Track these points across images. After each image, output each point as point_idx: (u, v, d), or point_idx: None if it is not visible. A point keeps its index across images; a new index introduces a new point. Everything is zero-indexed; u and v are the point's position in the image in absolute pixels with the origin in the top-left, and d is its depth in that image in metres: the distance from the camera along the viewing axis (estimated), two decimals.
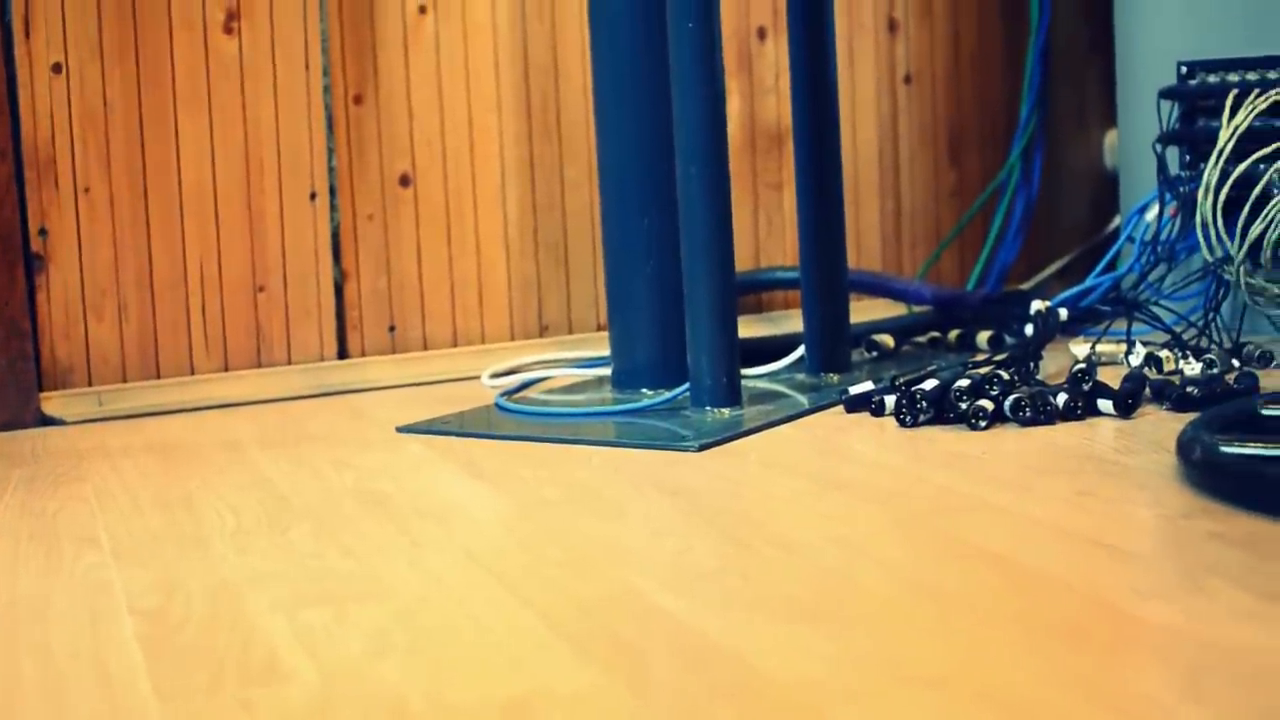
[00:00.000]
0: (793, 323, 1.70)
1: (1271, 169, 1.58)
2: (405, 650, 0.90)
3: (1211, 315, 1.63)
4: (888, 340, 1.73)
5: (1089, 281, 1.80)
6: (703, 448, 1.35)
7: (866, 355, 1.73)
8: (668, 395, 1.50)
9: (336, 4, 1.76)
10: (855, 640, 0.87)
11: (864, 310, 1.94)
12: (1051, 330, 1.60)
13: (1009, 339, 1.72)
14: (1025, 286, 2.05)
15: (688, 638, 0.89)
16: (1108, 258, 1.82)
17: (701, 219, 1.44)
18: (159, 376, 1.71)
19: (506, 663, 0.87)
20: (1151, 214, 1.77)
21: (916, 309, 1.87)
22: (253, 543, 1.14)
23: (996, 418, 1.37)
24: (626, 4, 1.54)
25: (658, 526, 1.13)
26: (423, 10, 1.80)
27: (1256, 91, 1.64)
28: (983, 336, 1.73)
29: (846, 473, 1.25)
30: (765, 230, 1.98)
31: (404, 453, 1.42)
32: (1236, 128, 1.62)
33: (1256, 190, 1.58)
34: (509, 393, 1.64)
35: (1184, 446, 1.16)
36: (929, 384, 1.40)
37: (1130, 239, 1.80)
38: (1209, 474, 1.12)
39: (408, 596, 1.00)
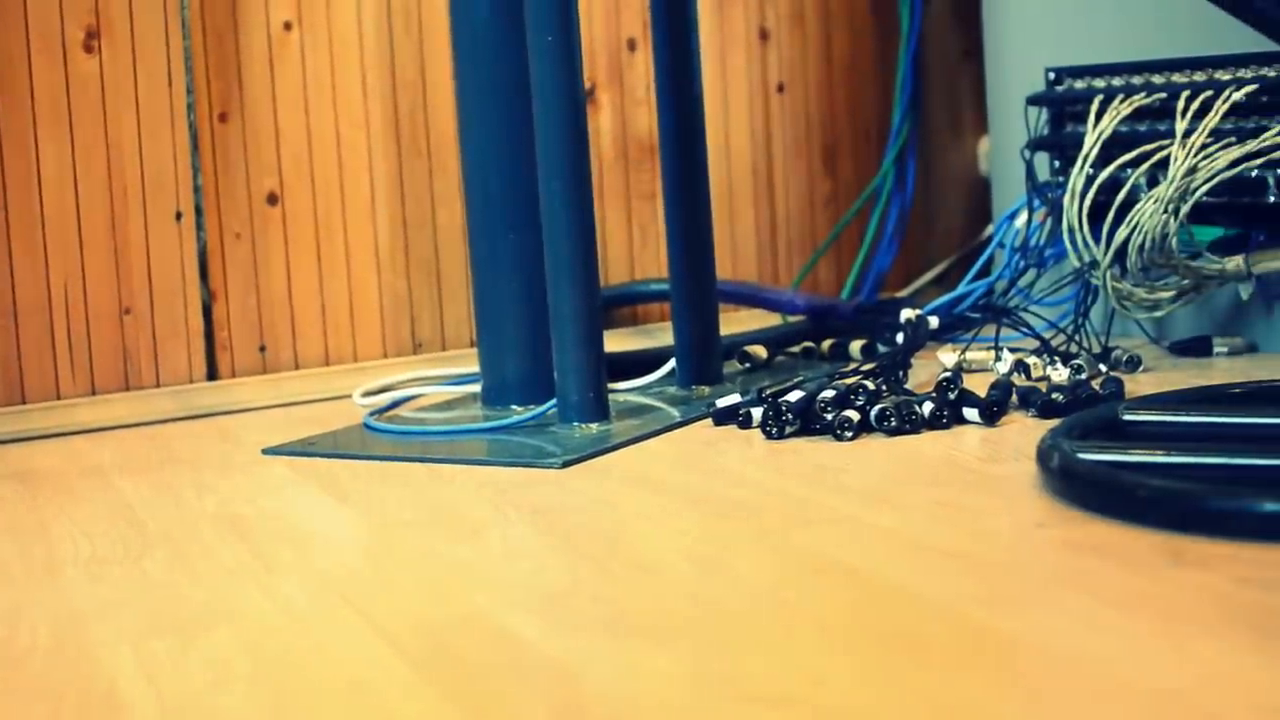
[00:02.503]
0: (667, 335, 1.69)
1: (1136, 173, 1.59)
2: (248, 679, 0.89)
3: (1080, 320, 1.63)
4: (760, 351, 1.73)
5: (961, 288, 1.80)
6: (567, 464, 1.34)
7: (740, 367, 1.72)
8: (535, 412, 1.49)
9: (199, 21, 1.74)
10: (701, 659, 0.86)
11: (740, 321, 1.94)
12: (922, 338, 1.60)
13: (882, 347, 1.71)
14: (902, 294, 2.05)
15: (532, 660, 0.88)
16: (979, 264, 1.82)
17: (564, 233, 1.43)
18: (24, 402, 1.69)
19: (348, 689, 0.86)
20: (1021, 220, 1.77)
21: (791, 319, 1.87)
22: (106, 571, 1.12)
23: (863, 428, 1.37)
24: (487, 18, 1.53)
25: (514, 546, 1.12)
26: (288, 26, 1.78)
27: (1121, 97, 1.65)
28: (856, 346, 1.73)
29: (708, 487, 1.25)
30: (640, 242, 1.97)
31: (267, 475, 1.40)
32: (1101, 133, 1.63)
33: (1121, 195, 1.58)
34: (378, 412, 1.62)
35: (1043, 454, 1.16)
36: (795, 395, 1.39)
37: (1001, 245, 1.81)
38: (1067, 482, 1.12)
39: (256, 624, 0.99)
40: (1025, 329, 1.63)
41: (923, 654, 0.85)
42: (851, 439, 1.35)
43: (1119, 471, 1.09)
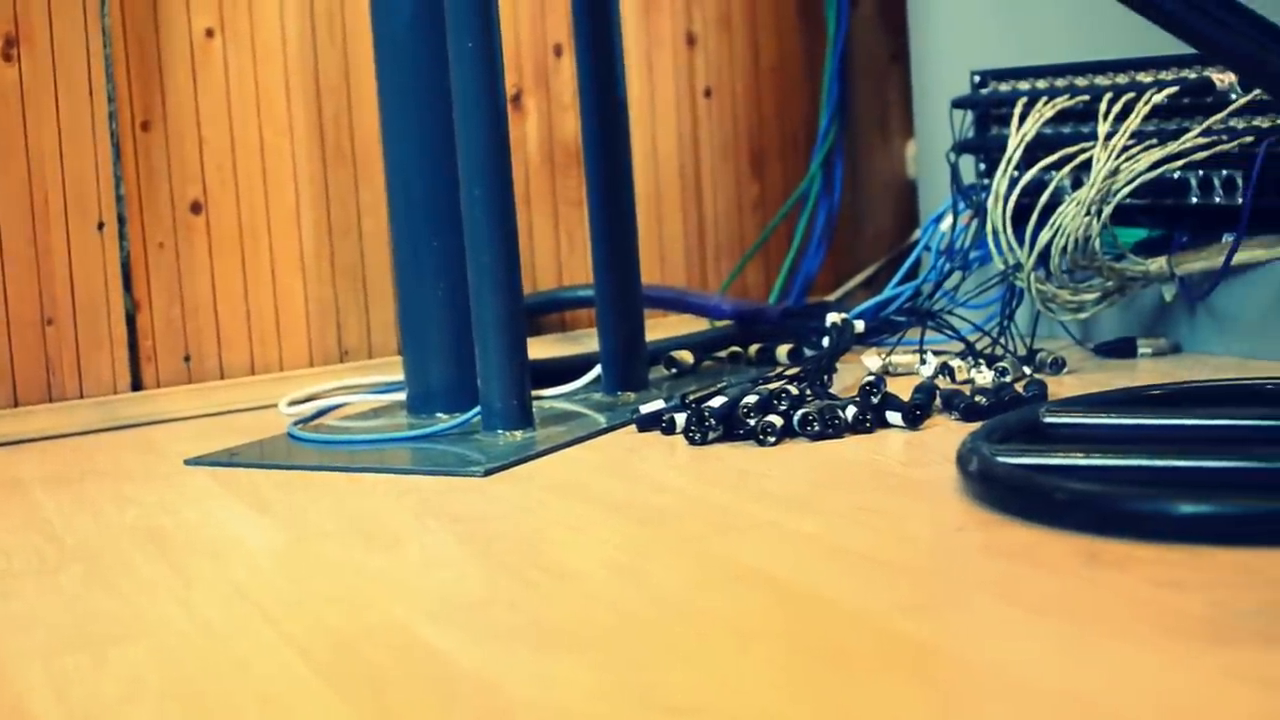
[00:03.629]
0: (595, 341, 1.68)
1: (1059, 176, 1.59)
2: (159, 694, 0.88)
3: (1005, 323, 1.63)
4: (687, 356, 1.72)
5: (888, 291, 1.79)
6: (489, 473, 1.33)
7: (666, 372, 1.72)
8: (459, 420, 1.48)
9: (120, 29, 1.72)
10: (614, 668, 0.86)
11: (668, 326, 1.94)
12: (847, 342, 1.60)
13: (809, 351, 1.71)
14: (831, 297, 2.05)
15: (445, 671, 0.88)
16: (905, 267, 1.82)
17: (486, 240, 1.43)
18: None
19: (259, 702, 0.85)
20: (947, 223, 1.77)
21: (718, 323, 1.86)
22: (19, 586, 1.11)
23: (786, 433, 1.37)
24: (409, 24, 1.52)
25: (432, 556, 1.11)
26: (210, 34, 1.77)
27: (1044, 99, 1.65)
28: (783, 350, 1.73)
29: (630, 494, 1.24)
30: (567, 248, 1.97)
31: (189, 486, 1.39)
32: (1024, 136, 1.63)
33: (1044, 197, 1.58)
34: (303, 421, 1.61)
35: (962, 458, 1.16)
36: (718, 401, 1.39)
37: (927, 248, 1.81)
38: (986, 485, 1.12)
39: (170, 637, 0.98)
40: (950, 332, 1.63)
41: (839, 661, 0.85)
42: (775, 444, 1.35)
43: (1037, 475, 1.09)
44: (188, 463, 1.48)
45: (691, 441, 1.38)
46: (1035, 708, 0.76)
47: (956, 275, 1.73)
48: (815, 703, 0.78)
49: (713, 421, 1.37)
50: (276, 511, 1.28)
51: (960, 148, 1.77)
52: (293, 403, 1.71)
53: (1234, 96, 1.53)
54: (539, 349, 1.82)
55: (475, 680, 0.86)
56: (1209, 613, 0.88)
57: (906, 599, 0.94)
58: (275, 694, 0.86)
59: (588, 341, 1.92)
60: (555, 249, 1.97)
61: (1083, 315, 1.62)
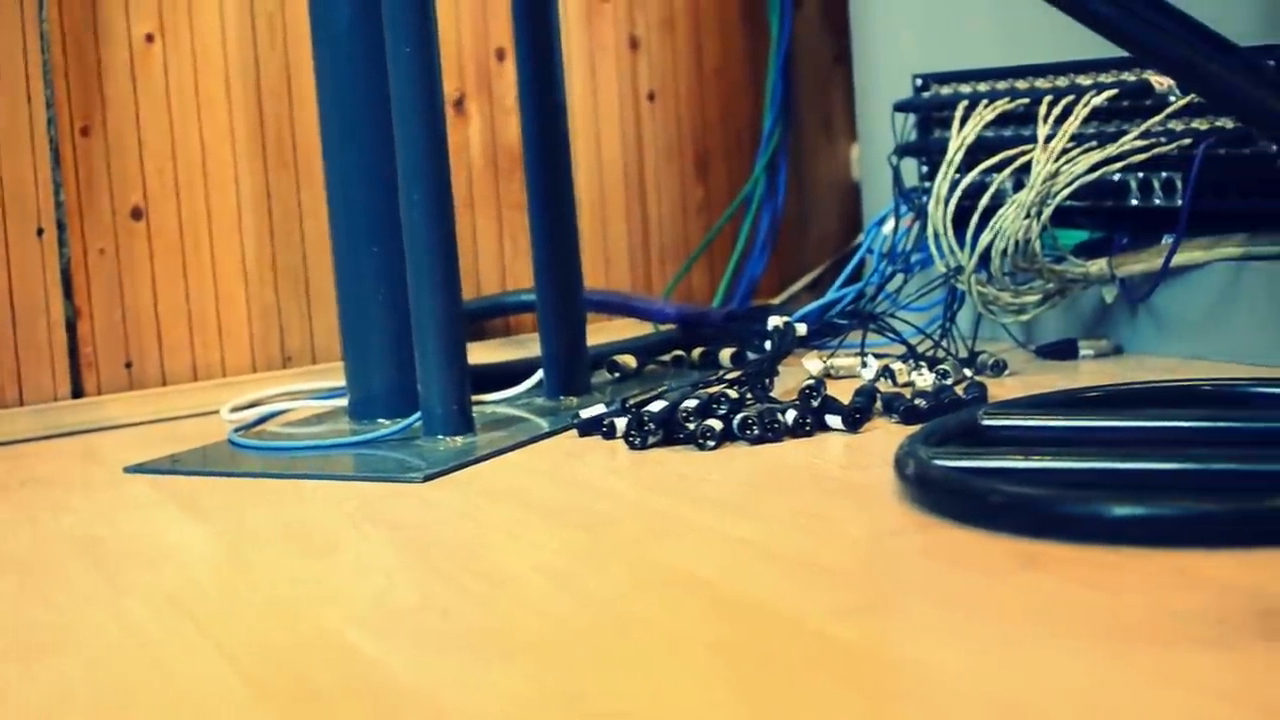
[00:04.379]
0: (539, 345, 1.68)
1: (999, 178, 1.59)
2: (87, 705, 0.87)
3: (947, 325, 1.64)
4: (630, 361, 1.72)
5: (831, 294, 1.80)
6: (428, 478, 1.33)
7: (610, 376, 1.71)
8: (399, 426, 1.48)
9: (59, 34, 1.71)
10: (545, 675, 0.85)
11: (613, 330, 1.93)
12: (789, 346, 1.60)
13: (752, 355, 1.71)
14: (776, 300, 2.05)
15: (375, 679, 0.87)
16: (848, 270, 1.82)
17: (425, 245, 1.42)
18: None
19: (187, 712, 0.85)
20: (889, 226, 1.77)
21: (662, 327, 1.86)
22: None
23: (726, 437, 1.36)
24: (348, 28, 1.52)
25: (367, 563, 1.11)
26: (149, 38, 1.76)
27: (985, 102, 1.66)
28: (726, 354, 1.73)
29: (568, 499, 1.24)
30: (511, 252, 1.97)
31: (128, 495, 1.38)
32: (965, 138, 1.63)
33: (984, 200, 1.59)
34: (244, 427, 1.60)
35: (899, 461, 1.16)
36: (657, 405, 1.39)
37: (870, 251, 1.81)
38: (922, 488, 1.12)
39: (101, 647, 0.97)
40: (892, 335, 1.63)
41: (769, 665, 0.84)
42: (714, 448, 1.35)
43: (972, 477, 1.09)
44: (128, 470, 1.47)
45: (631, 446, 1.38)
46: (964, 712, 0.76)
47: (899, 278, 1.73)
48: (744, 707, 0.78)
49: (652, 426, 1.37)
50: (214, 519, 1.27)
51: (902, 151, 1.77)
52: (235, 409, 1.70)
53: (1172, 99, 1.54)
54: (483, 353, 1.82)
55: (405, 688, 0.85)
56: (1142, 615, 0.88)
57: (839, 603, 0.94)
58: (204, 704, 0.85)
59: (532, 346, 1.92)
60: (499, 253, 1.96)
61: (1024, 317, 1.62)
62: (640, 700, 0.81)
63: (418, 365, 1.45)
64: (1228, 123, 1.50)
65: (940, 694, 0.79)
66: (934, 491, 1.10)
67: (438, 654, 0.90)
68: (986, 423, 1.25)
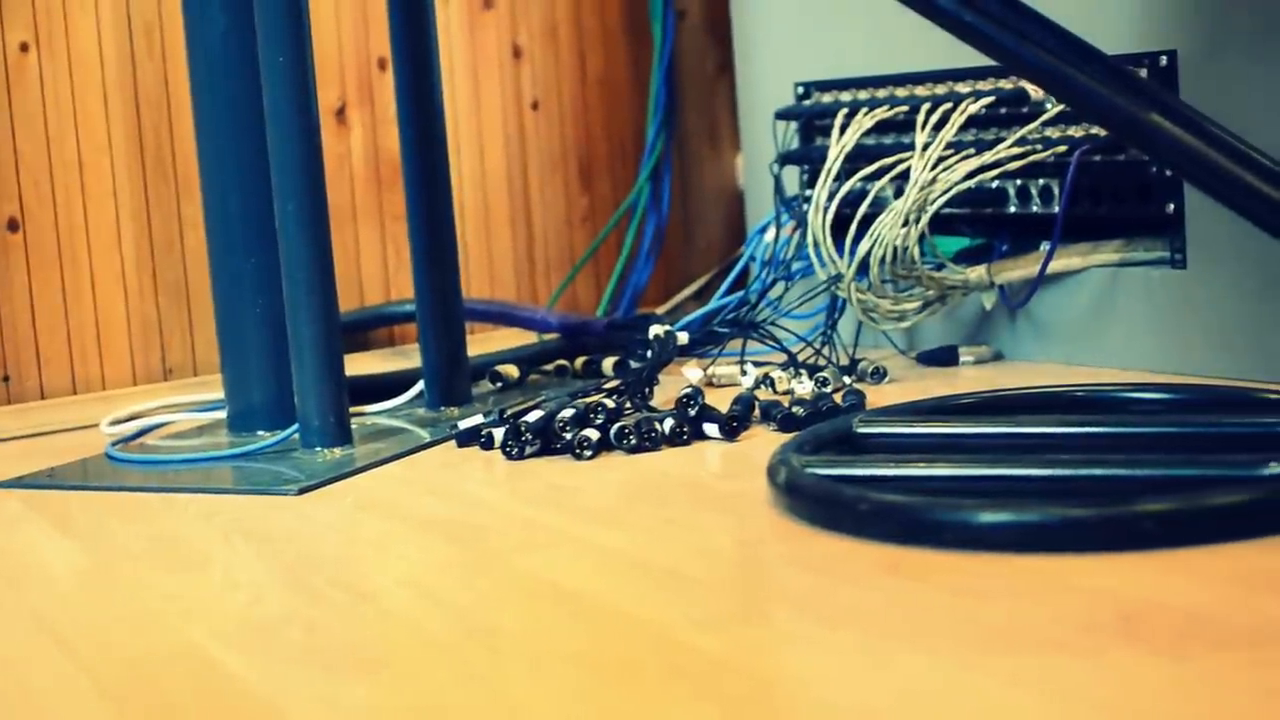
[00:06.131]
0: None
1: (877, 186, 1.60)
2: None
3: (829, 333, 1.64)
4: (512, 371, 1.71)
5: (714, 303, 1.80)
6: (303, 491, 1.32)
7: (492, 387, 1.71)
8: (276, 438, 1.47)
9: None
10: (404, 691, 0.85)
11: (499, 340, 1.93)
12: (669, 354, 1.60)
13: (635, 364, 1.71)
14: (661, 309, 2.05)
15: (235, 695, 0.86)
16: (731, 278, 1.82)
17: (301, 257, 1.41)
18: None
19: None
20: (771, 234, 1.78)
21: (546, 337, 1.86)
22: None
23: (603, 447, 1.36)
24: (223, 38, 1.51)
25: (235, 577, 1.10)
26: (24, 48, 1.74)
27: (865, 110, 1.66)
28: (608, 363, 1.72)
29: (440, 511, 1.23)
30: (395, 262, 1.96)
31: None
32: (844, 146, 1.64)
33: (863, 208, 1.59)
34: (122, 441, 1.59)
35: (772, 469, 1.16)
36: (535, 415, 1.38)
37: (753, 259, 1.81)
38: (793, 497, 1.12)
39: None
40: (773, 343, 1.63)
41: (629, 677, 0.84)
42: (591, 458, 1.35)
43: (842, 486, 1.09)
44: (1, 485, 1.45)
45: (509, 456, 1.37)
46: None
47: (780, 286, 1.73)
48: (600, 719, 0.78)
49: (529, 436, 1.37)
50: (84, 534, 1.25)
51: (784, 159, 1.77)
52: (114, 422, 1.68)
53: (1048, 106, 1.55)
54: (366, 364, 1.81)
55: (264, 705, 0.84)
56: (1005, 621, 0.88)
57: (704, 613, 0.94)
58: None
59: (415, 356, 1.91)
60: (382, 263, 1.95)
61: (905, 324, 1.63)
62: (496, 714, 0.80)
63: (295, 377, 1.44)
64: (1102, 130, 1.51)
65: (800, 705, 0.79)
66: (804, 500, 1.10)
67: (299, 668, 0.90)
68: (861, 430, 1.25)
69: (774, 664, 0.84)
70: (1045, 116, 1.53)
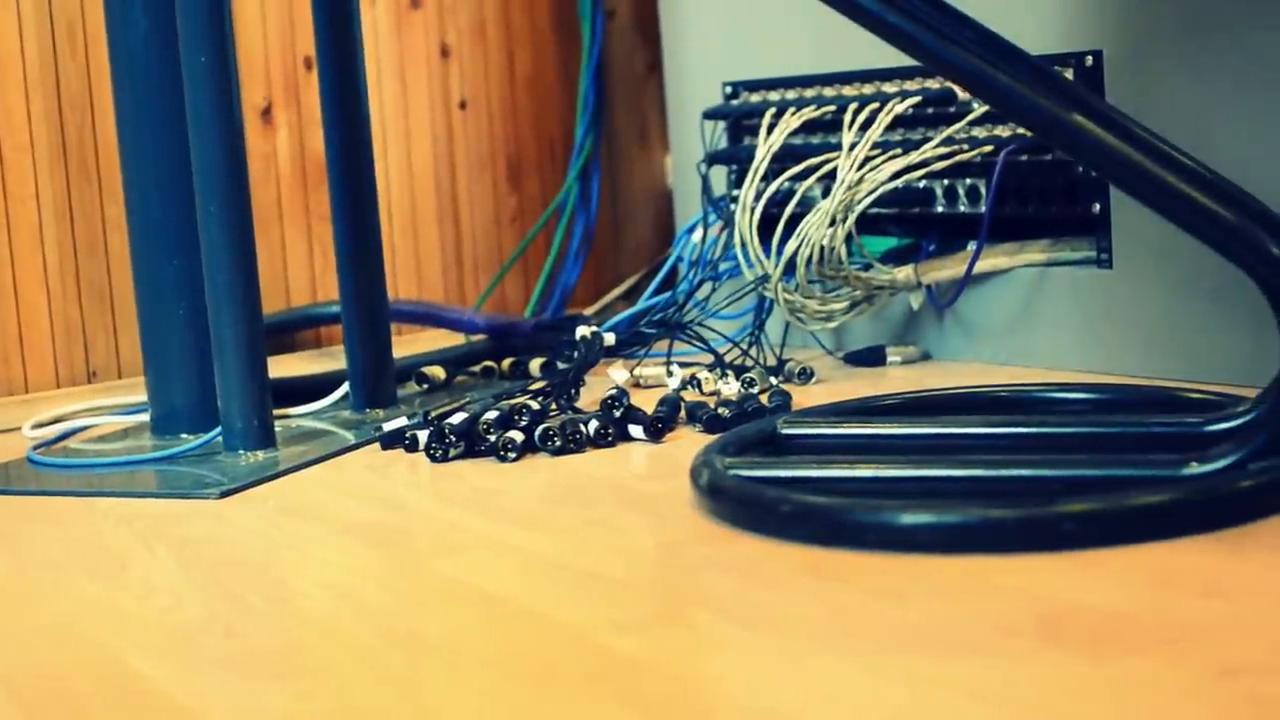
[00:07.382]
0: None
1: (804, 186, 1.59)
2: None
3: (756, 334, 1.64)
4: (439, 372, 1.71)
5: (643, 303, 1.79)
6: (225, 494, 1.31)
7: (418, 388, 1.70)
8: (199, 441, 1.46)
9: None
10: (320, 695, 0.84)
11: (426, 341, 1.92)
12: (596, 355, 1.59)
13: (562, 365, 1.70)
14: (590, 310, 2.05)
15: (150, 701, 0.85)
16: (659, 279, 1.82)
17: (223, 259, 1.40)
18: None
19: None
20: (698, 234, 1.77)
21: (473, 338, 1.85)
22: None
23: (528, 448, 1.36)
24: (144, 38, 1.49)
25: (154, 583, 1.09)
26: None
27: (792, 110, 1.66)
28: (535, 364, 1.72)
29: (363, 514, 1.22)
30: (321, 264, 1.94)
31: None
32: (771, 146, 1.63)
33: (790, 208, 1.59)
34: (45, 444, 1.57)
35: (694, 471, 1.15)
36: (459, 417, 1.38)
37: (681, 259, 1.81)
38: (715, 499, 1.11)
39: None
40: (700, 344, 1.63)
41: (546, 680, 0.84)
42: (516, 460, 1.34)
43: (765, 487, 1.09)
44: None
45: (433, 459, 1.37)
46: None
47: (708, 286, 1.73)
48: None
49: (453, 438, 1.36)
50: (3, 540, 1.24)
51: (711, 159, 1.77)
52: (37, 425, 1.67)
53: (975, 106, 1.55)
54: (292, 366, 1.80)
55: (182, 712, 0.83)
56: (923, 623, 0.88)
57: (622, 615, 0.93)
58: None
59: (342, 358, 1.90)
60: (309, 265, 1.94)
61: (832, 325, 1.63)
62: (413, 718, 0.80)
63: (218, 380, 1.42)
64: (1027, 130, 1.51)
65: (719, 707, 0.78)
66: (727, 501, 1.10)
67: (216, 674, 0.89)
68: (785, 431, 1.25)
69: (694, 666, 0.84)
70: (971, 116, 1.54)
